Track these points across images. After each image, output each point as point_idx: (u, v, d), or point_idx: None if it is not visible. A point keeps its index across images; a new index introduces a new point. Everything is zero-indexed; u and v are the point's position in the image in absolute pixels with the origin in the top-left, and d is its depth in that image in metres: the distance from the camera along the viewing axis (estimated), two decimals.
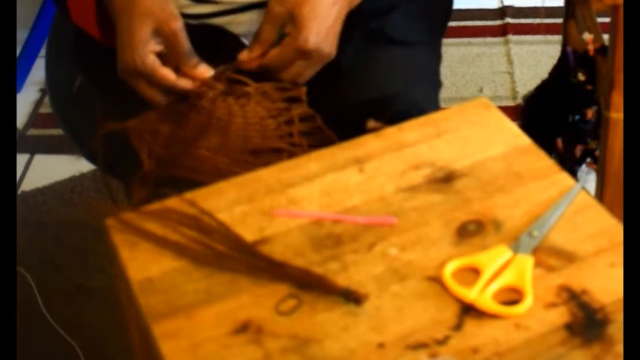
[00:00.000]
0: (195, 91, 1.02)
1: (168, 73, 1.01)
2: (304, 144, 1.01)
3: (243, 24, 1.13)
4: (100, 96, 1.15)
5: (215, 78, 1.03)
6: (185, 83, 1.02)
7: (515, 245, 0.83)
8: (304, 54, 1.02)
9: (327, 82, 1.10)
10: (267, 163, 0.93)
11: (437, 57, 1.29)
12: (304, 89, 1.04)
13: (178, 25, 1.02)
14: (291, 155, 0.97)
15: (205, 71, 1.03)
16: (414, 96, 1.14)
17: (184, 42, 1.02)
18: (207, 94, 1.02)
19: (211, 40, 1.07)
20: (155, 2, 1.02)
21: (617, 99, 1.39)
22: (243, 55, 1.04)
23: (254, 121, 1.01)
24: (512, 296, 0.79)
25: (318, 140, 1.00)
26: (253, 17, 1.11)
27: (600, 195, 1.49)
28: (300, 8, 1.01)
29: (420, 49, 1.22)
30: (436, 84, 1.27)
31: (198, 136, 0.98)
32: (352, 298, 0.78)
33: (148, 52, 1.01)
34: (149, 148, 0.97)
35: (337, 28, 1.04)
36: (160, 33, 1.01)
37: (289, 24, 1.02)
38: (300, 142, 1.01)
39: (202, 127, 0.99)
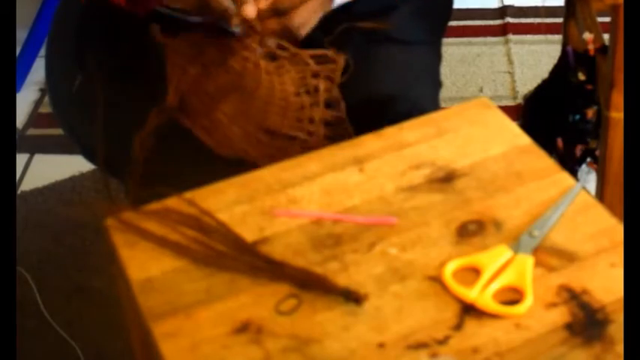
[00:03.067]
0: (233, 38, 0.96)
1: None
2: (321, 133, 0.97)
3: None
4: (99, 95, 1.15)
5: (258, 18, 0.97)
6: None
7: (516, 245, 0.83)
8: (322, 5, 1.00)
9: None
10: (279, 149, 0.91)
11: (437, 56, 1.29)
12: (343, 59, 1.00)
13: None
14: (305, 144, 0.94)
15: (252, 11, 0.97)
16: (414, 96, 1.14)
17: None
18: (241, 52, 0.96)
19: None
20: None
21: (618, 98, 1.39)
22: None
23: (279, 97, 0.97)
24: (512, 296, 0.79)
25: (335, 132, 0.97)
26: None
27: (600, 195, 1.49)
28: None
29: (420, 48, 1.22)
30: (436, 84, 1.26)
31: (219, 96, 0.94)
32: (352, 298, 0.78)
33: None
34: (177, 84, 0.92)
35: None
36: None
37: None
38: (317, 130, 0.97)
39: (226, 88, 0.95)
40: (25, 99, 2.36)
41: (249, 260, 0.82)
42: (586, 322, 0.76)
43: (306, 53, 0.98)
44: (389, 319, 0.77)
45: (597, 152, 1.69)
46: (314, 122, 0.97)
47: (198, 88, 0.94)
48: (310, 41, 1.10)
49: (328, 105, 0.99)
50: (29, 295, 1.76)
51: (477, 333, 0.76)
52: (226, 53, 0.96)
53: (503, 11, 2.57)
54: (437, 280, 0.80)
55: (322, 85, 0.98)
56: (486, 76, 2.36)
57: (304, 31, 1.02)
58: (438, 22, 1.30)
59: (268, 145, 0.92)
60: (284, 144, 0.95)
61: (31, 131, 2.27)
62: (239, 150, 0.90)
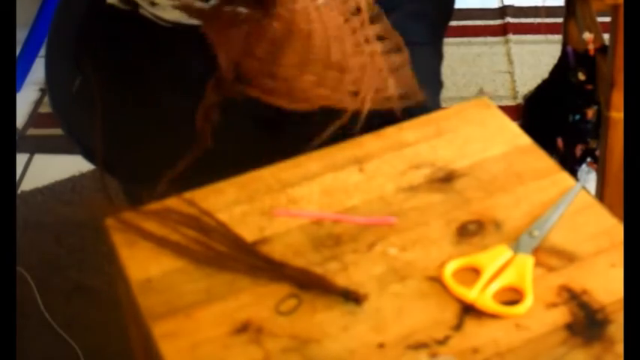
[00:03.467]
0: None
1: None
2: (379, 50, 0.89)
3: None
4: (98, 96, 1.15)
5: None
6: None
7: (516, 245, 0.83)
8: None
9: None
10: (353, 82, 0.85)
11: (438, 57, 1.29)
12: None
13: None
14: (373, 69, 0.87)
15: None
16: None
17: None
18: None
19: (195, 41, 1.04)
20: None
21: (618, 98, 1.39)
22: None
23: (333, 28, 0.89)
24: (512, 296, 0.79)
25: (387, 45, 0.90)
26: None
27: (600, 195, 1.49)
28: None
29: (421, 49, 1.22)
30: (438, 84, 1.26)
31: (276, 50, 0.86)
32: (352, 298, 0.78)
33: None
34: (225, 53, 0.84)
35: None
36: None
37: None
38: (375, 48, 0.89)
39: (281, 38, 0.86)
40: (25, 99, 2.36)
41: (249, 260, 0.82)
42: (586, 322, 0.76)
43: None
44: (389, 319, 0.77)
45: (597, 152, 1.69)
46: (370, 41, 0.90)
47: (249, 50, 0.86)
48: None
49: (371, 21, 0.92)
50: (29, 295, 1.76)
51: (476, 333, 0.76)
52: (267, 3, 0.89)
53: (504, 11, 2.57)
54: (437, 280, 0.80)
55: (363, 2, 0.91)
56: (486, 76, 2.36)
57: None
58: (439, 23, 1.30)
59: (342, 81, 0.85)
60: (356, 75, 0.87)
61: (31, 131, 2.27)
62: (318, 98, 0.83)
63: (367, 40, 0.89)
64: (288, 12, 0.88)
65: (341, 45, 0.88)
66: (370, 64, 0.88)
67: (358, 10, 0.91)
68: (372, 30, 0.90)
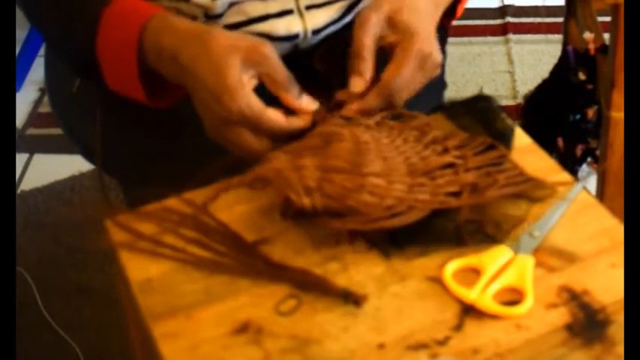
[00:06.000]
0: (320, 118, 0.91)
1: (277, 116, 0.89)
2: (469, 155, 0.89)
3: (280, 29, 1.06)
4: (99, 96, 1.15)
5: (326, 110, 0.92)
6: (297, 122, 0.90)
7: (516, 245, 0.83)
8: (422, 61, 0.94)
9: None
10: (448, 183, 0.85)
11: (443, 57, 1.29)
12: (428, 120, 0.93)
13: (268, 48, 0.89)
14: (466, 172, 0.86)
15: (310, 103, 0.91)
16: (419, 97, 1.14)
17: (281, 67, 0.90)
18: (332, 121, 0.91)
19: None
20: (232, 34, 0.91)
21: (618, 98, 1.39)
22: (357, 85, 0.92)
23: (398, 144, 0.89)
24: (512, 297, 0.79)
25: (477, 149, 0.89)
26: (291, 21, 1.06)
27: (601, 195, 1.49)
28: (401, 15, 0.93)
29: None
30: (442, 84, 1.26)
31: (359, 163, 0.84)
32: (352, 299, 0.77)
33: (249, 93, 0.88)
34: (304, 187, 0.82)
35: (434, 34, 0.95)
36: (249, 63, 0.88)
37: (391, 33, 0.93)
38: (464, 154, 0.88)
39: (358, 152, 0.85)
40: (25, 99, 2.36)
41: (249, 261, 0.82)
42: (586, 322, 0.76)
43: (381, 115, 0.93)
44: (389, 320, 0.77)
45: (598, 152, 1.69)
46: (450, 150, 0.89)
47: (328, 171, 0.83)
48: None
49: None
50: (29, 295, 1.76)
51: (477, 334, 0.75)
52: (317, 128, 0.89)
53: (504, 11, 2.57)
54: (437, 280, 0.80)
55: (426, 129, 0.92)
56: (486, 75, 2.36)
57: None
58: (443, 24, 1.29)
59: (438, 185, 0.85)
60: (446, 175, 0.86)
61: (31, 131, 2.28)
62: (418, 203, 0.82)
63: (446, 149, 0.88)
64: (350, 130, 0.88)
65: (416, 155, 0.87)
66: (462, 165, 0.87)
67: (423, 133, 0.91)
68: (452, 142, 0.90)
